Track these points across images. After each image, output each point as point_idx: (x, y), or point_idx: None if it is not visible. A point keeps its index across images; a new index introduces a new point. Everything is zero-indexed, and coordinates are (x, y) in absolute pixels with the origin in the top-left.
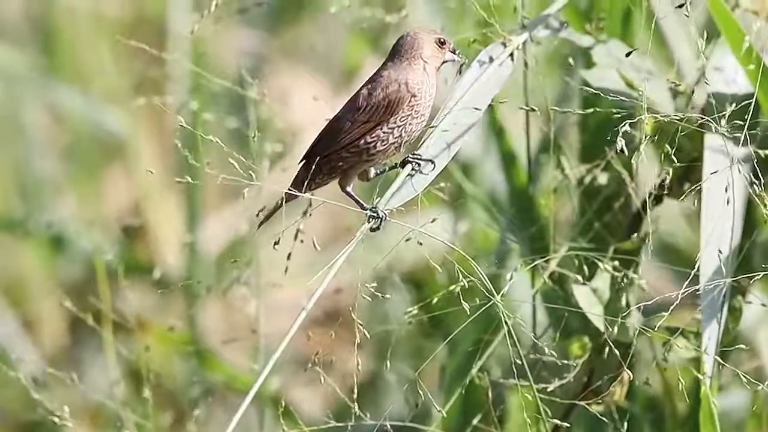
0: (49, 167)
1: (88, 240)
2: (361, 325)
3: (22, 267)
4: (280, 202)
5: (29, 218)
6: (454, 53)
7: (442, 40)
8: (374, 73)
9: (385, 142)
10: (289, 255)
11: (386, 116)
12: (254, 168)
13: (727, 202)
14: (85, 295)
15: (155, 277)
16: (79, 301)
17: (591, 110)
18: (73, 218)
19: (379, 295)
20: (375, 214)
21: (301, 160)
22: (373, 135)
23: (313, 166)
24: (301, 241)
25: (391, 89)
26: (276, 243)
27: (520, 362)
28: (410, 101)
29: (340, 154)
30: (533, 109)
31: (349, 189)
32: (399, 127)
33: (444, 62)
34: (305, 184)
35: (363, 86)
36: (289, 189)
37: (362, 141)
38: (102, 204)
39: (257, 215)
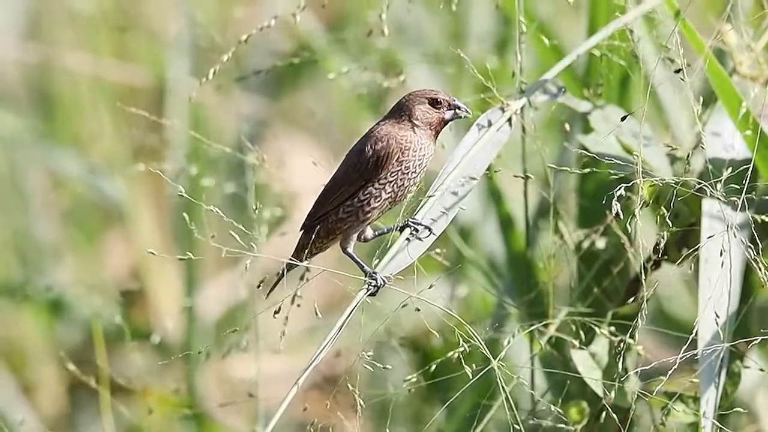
0: (48, 232)
1: (87, 304)
2: (358, 395)
3: (21, 331)
4: (282, 272)
5: (28, 283)
6: (458, 108)
7: (437, 100)
8: (366, 133)
9: (378, 198)
10: (287, 319)
11: (376, 172)
12: (253, 235)
13: (722, 266)
14: (83, 360)
15: (154, 341)
16: (77, 366)
17: (587, 170)
18: (72, 283)
19: (377, 364)
20: (374, 281)
21: (302, 228)
22: (366, 192)
23: (313, 233)
24: (298, 305)
25: (380, 145)
26: (276, 312)
27: (518, 427)
28: (399, 157)
29: (337, 214)
30: (528, 177)
31: (350, 250)
32: (390, 182)
33: (444, 121)
34: (306, 251)
35: (354, 145)
36: (290, 259)
37: (356, 199)
38: (101, 268)
39: (258, 286)
